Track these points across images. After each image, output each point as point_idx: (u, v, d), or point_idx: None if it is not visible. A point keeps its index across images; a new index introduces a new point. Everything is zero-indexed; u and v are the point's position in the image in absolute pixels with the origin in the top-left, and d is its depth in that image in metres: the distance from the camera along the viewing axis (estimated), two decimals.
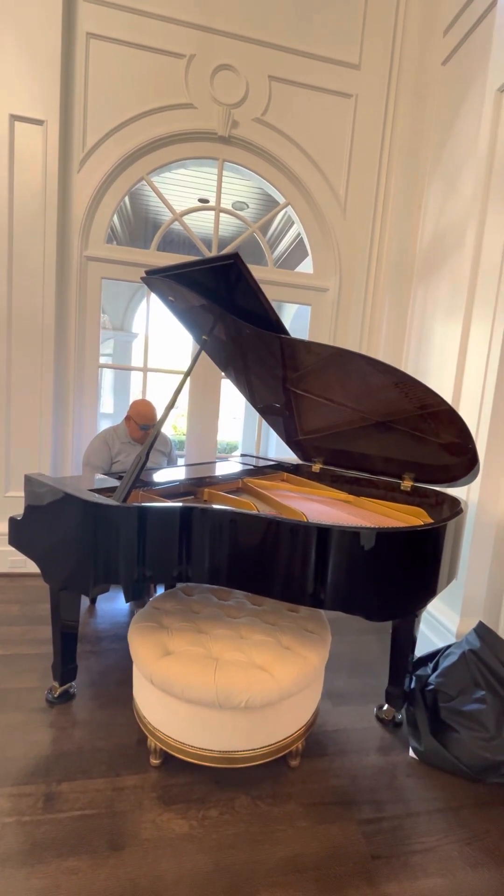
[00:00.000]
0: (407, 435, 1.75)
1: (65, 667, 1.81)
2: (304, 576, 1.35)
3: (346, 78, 3.00)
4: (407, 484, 1.93)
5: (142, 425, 2.56)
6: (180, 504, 1.50)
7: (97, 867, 1.21)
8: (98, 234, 2.89)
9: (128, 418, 2.63)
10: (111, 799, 1.41)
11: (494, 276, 2.06)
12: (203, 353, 1.96)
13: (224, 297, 1.71)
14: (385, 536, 1.33)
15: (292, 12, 2.86)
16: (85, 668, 2.01)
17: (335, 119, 3.04)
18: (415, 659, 1.89)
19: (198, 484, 2.06)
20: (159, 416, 1.70)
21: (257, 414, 2.63)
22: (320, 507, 1.87)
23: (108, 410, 7.11)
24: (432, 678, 1.78)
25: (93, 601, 2.64)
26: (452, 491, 1.92)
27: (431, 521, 1.73)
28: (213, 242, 3.18)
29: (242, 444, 7.32)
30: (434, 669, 1.84)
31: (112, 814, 1.36)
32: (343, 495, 2.06)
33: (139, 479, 1.73)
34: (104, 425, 2.85)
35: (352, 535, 1.32)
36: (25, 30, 2.51)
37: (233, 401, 7.11)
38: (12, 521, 1.82)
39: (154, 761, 1.54)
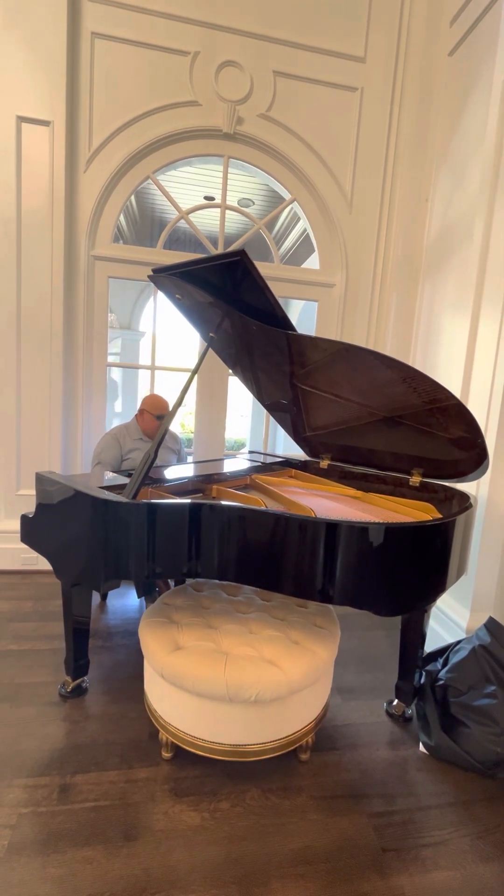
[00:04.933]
0: (415, 430, 1.74)
1: (77, 662, 1.84)
2: (313, 571, 1.36)
3: (351, 71, 2.97)
4: (415, 479, 1.93)
5: (157, 415, 2.56)
6: (189, 501, 1.51)
7: (111, 857, 1.23)
8: (105, 233, 2.91)
9: (141, 411, 2.61)
10: (124, 791, 1.43)
11: (503, 269, 2.04)
12: (210, 350, 1.97)
13: (231, 294, 1.72)
14: (394, 532, 1.33)
15: (296, 6, 2.84)
16: (97, 663, 2.04)
17: (341, 113, 3.02)
18: (424, 654, 1.89)
19: (206, 481, 2.07)
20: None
21: (265, 411, 2.64)
22: (329, 502, 1.88)
23: (117, 409, 7.16)
24: (442, 673, 1.78)
25: (104, 597, 2.67)
26: (462, 486, 1.92)
27: (441, 516, 1.72)
28: (219, 240, 3.18)
29: (250, 441, 7.33)
30: (444, 665, 1.83)
31: (125, 805, 1.38)
32: (351, 491, 2.06)
33: (148, 476, 1.75)
34: (113, 423, 2.87)
35: (360, 530, 1.32)
36: (31, 31, 2.52)
37: (240, 398, 7.12)
38: (24, 518, 1.84)
39: (166, 754, 1.56)
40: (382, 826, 1.38)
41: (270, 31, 2.83)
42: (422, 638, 1.80)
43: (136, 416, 2.67)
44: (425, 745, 1.68)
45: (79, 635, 1.82)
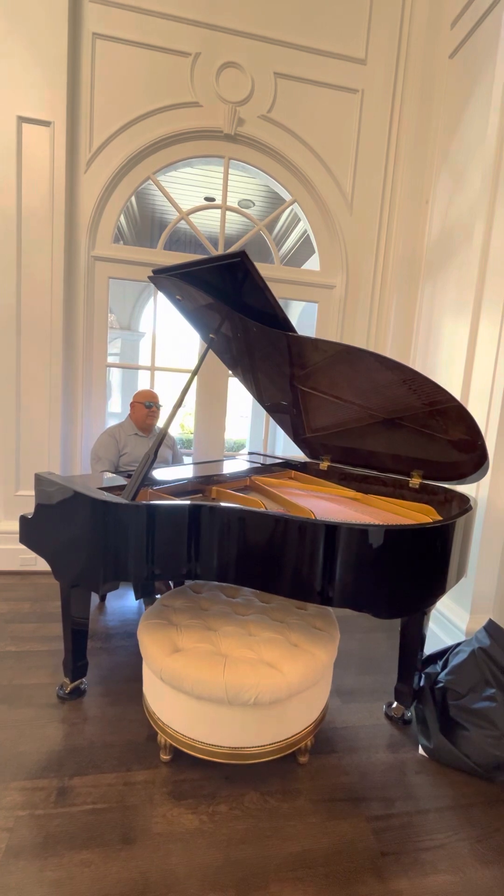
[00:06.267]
0: (415, 432, 1.74)
1: (75, 663, 1.83)
2: (313, 573, 1.36)
3: (352, 73, 2.98)
4: (415, 481, 1.93)
5: (146, 402, 2.63)
6: (189, 502, 1.51)
7: (109, 860, 1.22)
8: (105, 233, 2.91)
9: (132, 405, 2.70)
10: (122, 793, 1.42)
11: (503, 270, 2.03)
12: (210, 351, 1.97)
13: (231, 295, 1.71)
14: (393, 534, 1.33)
15: (297, 8, 2.85)
16: (95, 665, 2.04)
17: (341, 114, 3.02)
18: (424, 657, 1.89)
19: (206, 482, 2.07)
20: (167, 413, 1.71)
21: (265, 412, 2.64)
22: (328, 504, 1.87)
23: (116, 409, 7.16)
24: (442, 676, 1.77)
25: (102, 598, 2.66)
26: (462, 488, 1.91)
27: (440, 518, 1.72)
28: (220, 241, 3.18)
29: (250, 442, 7.32)
30: (443, 667, 1.83)
31: (123, 808, 1.38)
32: (351, 493, 2.05)
33: (147, 477, 1.74)
34: (112, 423, 2.88)
35: (360, 532, 1.32)
36: (32, 32, 2.52)
37: (240, 399, 7.12)
38: (23, 519, 1.84)
39: (164, 757, 1.55)
40: (381, 829, 1.37)
41: (271, 32, 2.83)
42: (421, 640, 1.80)
43: (129, 414, 2.73)
44: (424, 748, 1.67)
45: (77, 637, 1.81)
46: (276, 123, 2.94)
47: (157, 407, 2.67)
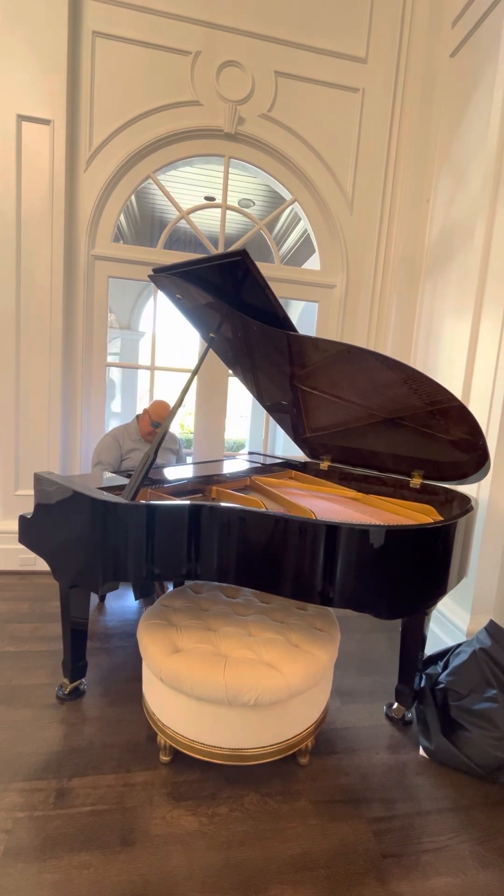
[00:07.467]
0: (416, 432, 1.73)
1: (75, 664, 1.82)
2: (313, 574, 1.35)
3: (352, 72, 2.97)
4: (416, 481, 1.92)
5: (153, 422, 2.60)
6: (189, 502, 1.50)
7: (109, 862, 1.22)
8: (105, 232, 2.90)
9: (145, 412, 2.65)
10: (122, 795, 1.42)
11: None
12: (210, 350, 1.96)
13: (231, 294, 1.71)
14: (394, 534, 1.32)
15: (298, 6, 2.84)
16: (95, 665, 2.03)
17: (342, 114, 3.02)
18: (425, 657, 1.88)
19: (206, 482, 2.06)
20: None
21: (265, 411, 2.63)
22: (329, 504, 1.87)
23: (115, 409, 7.15)
24: (443, 677, 1.77)
25: (102, 599, 2.65)
26: (463, 488, 1.91)
27: (441, 518, 1.71)
28: (220, 240, 3.17)
29: (250, 441, 7.32)
30: (444, 668, 1.82)
31: (123, 810, 1.37)
32: (352, 493, 2.04)
33: (147, 477, 1.74)
34: (111, 424, 2.87)
35: (361, 532, 1.31)
36: (32, 30, 2.51)
37: (240, 398, 7.12)
38: (22, 519, 1.83)
39: (164, 758, 1.54)
40: (382, 831, 1.37)
41: (272, 31, 2.82)
42: (422, 641, 1.79)
43: (137, 416, 2.68)
44: (425, 749, 1.66)
45: (77, 637, 1.80)
46: (277, 122, 2.93)
47: None
